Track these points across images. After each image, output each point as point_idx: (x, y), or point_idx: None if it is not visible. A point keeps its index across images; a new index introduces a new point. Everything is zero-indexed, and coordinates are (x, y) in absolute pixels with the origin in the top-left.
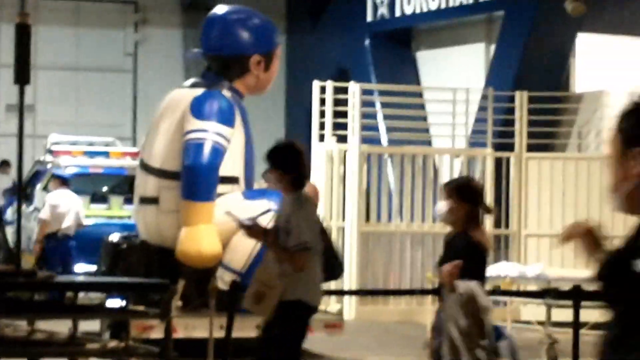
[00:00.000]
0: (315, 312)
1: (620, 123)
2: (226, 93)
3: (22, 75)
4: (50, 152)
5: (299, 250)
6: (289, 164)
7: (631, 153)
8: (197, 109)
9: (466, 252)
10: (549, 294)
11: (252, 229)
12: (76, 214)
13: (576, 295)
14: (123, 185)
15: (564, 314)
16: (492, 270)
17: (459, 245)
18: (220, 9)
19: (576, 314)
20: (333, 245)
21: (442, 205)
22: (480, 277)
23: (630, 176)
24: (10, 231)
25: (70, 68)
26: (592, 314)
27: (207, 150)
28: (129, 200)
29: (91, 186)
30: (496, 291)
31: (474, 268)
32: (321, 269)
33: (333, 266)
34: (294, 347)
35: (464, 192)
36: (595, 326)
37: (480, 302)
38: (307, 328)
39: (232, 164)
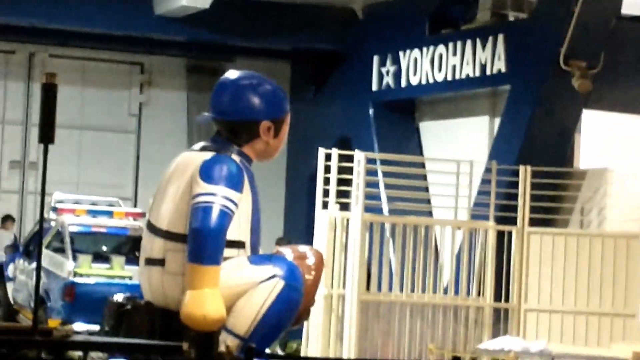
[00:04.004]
0: None
1: None
2: (235, 158)
3: (47, 135)
4: (55, 210)
5: None
6: None
7: None
8: (206, 172)
9: None
10: None
11: None
12: None
13: None
14: (125, 245)
15: None
16: (495, 344)
17: None
18: (231, 74)
19: None
20: None
21: None
22: None
23: None
24: (11, 287)
25: (74, 127)
26: None
27: (215, 214)
28: (130, 261)
29: (93, 245)
30: None
31: None
32: None
33: None
34: None
35: None
36: None
37: None
38: None
39: (238, 229)
